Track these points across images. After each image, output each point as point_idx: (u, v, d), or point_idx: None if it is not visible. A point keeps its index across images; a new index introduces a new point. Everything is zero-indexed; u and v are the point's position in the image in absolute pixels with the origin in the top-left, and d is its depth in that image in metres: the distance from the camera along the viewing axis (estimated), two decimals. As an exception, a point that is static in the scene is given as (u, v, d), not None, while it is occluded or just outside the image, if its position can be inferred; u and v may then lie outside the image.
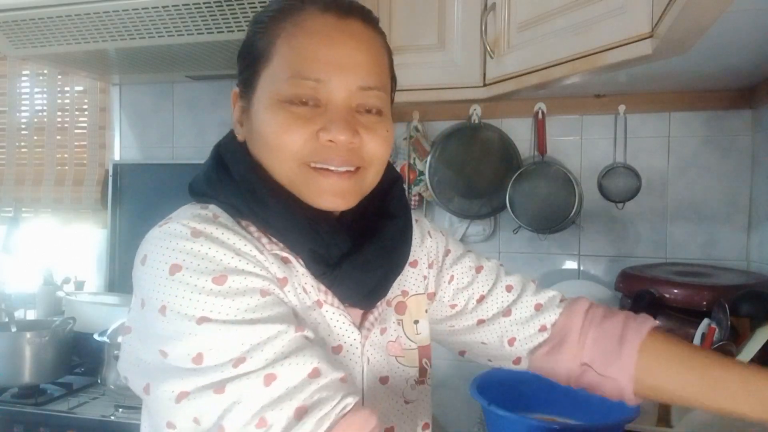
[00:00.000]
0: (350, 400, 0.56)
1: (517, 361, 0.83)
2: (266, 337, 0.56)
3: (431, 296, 0.83)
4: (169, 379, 0.55)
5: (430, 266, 0.83)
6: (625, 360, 0.75)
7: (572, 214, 1.63)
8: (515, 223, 1.69)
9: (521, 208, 1.67)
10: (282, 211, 0.64)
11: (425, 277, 0.82)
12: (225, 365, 0.54)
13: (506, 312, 0.82)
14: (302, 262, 0.66)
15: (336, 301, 0.68)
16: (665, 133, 1.66)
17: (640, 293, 1.40)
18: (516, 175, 1.67)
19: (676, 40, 0.99)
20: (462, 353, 0.88)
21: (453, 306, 0.83)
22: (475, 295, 0.83)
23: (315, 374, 0.56)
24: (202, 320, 0.55)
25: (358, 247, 0.67)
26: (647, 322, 0.77)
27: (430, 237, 0.84)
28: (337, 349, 0.68)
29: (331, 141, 0.63)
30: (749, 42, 1.08)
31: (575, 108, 1.70)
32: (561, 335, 0.80)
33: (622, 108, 1.64)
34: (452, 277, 0.83)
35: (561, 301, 0.84)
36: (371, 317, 0.71)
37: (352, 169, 0.65)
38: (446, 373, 1.77)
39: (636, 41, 1.03)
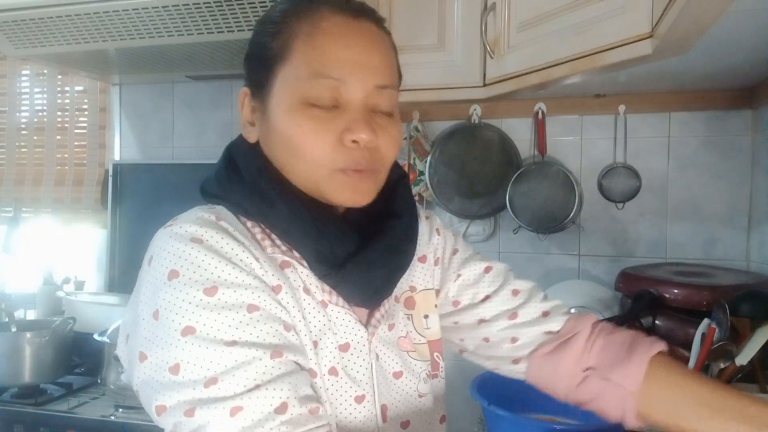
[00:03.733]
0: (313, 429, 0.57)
1: (517, 360, 0.82)
2: (241, 361, 0.57)
3: (437, 293, 0.83)
4: (149, 391, 0.58)
5: (435, 263, 0.83)
6: (634, 367, 0.72)
7: (572, 214, 1.63)
8: (515, 223, 1.69)
9: (521, 208, 1.67)
10: (288, 211, 0.65)
11: (432, 273, 0.82)
12: (197, 383, 0.56)
13: (512, 315, 0.82)
14: (305, 264, 0.66)
15: (341, 301, 0.68)
16: (665, 133, 1.66)
17: (640, 293, 1.40)
18: (516, 175, 1.67)
19: (676, 40, 0.99)
20: (461, 352, 0.88)
21: (456, 303, 0.83)
22: (479, 294, 0.83)
23: (281, 409, 0.57)
24: (187, 331, 0.57)
25: (362, 247, 0.67)
26: (658, 343, 0.75)
27: (438, 234, 0.84)
28: (344, 347, 0.68)
29: (354, 141, 0.64)
30: (749, 42, 1.08)
31: (575, 108, 1.70)
32: (568, 336, 0.78)
33: (622, 108, 1.64)
34: (459, 275, 0.83)
35: (567, 312, 0.83)
36: (378, 314, 0.72)
37: (372, 168, 0.67)
38: (446, 373, 1.77)
39: (636, 41, 1.03)
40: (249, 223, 0.67)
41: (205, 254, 0.60)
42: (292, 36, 0.65)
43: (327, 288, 0.67)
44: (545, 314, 0.82)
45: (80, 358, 1.67)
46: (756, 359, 1.11)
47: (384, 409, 0.71)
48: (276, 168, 0.68)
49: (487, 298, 0.83)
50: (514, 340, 0.81)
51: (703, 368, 1.15)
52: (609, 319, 1.44)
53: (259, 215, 0.66)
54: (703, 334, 1.19)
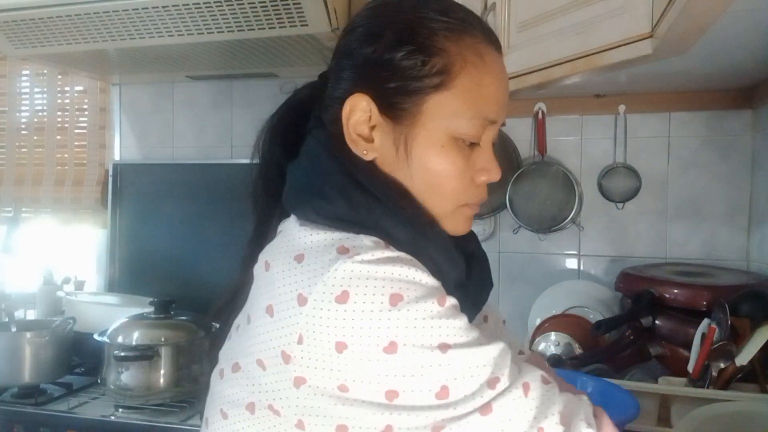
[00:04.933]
0: (584, 398, 0.57)
1: None
2: (498, 353, 0.55)
3: None
4: (413, 417, 0.52)
5: None
6: None
7: (572, 214, 1.63)
8: (515, 223, 1.69)
9: (521, 208, 1.67)
10: (439, 240, 0.62)
11: None
12: (479, 391, 0.52)
13: None
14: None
15: None
16: (665, 133, 1.66)
17: (640, 293, 1.40)
18: (516, 175, 1.67)
19: (676, 40, 0.99)
20: None
21: None
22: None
23: (546, 381, 0.56)
24: (444, 347, 0.52)
25: (469, 269, 0.67)
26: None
27: None
28: None
29: (486, 181, 0.64)
30: (749, 42, 1.08)
31: (575, 108, 1.70)
32: None
33: (622, 108, 1.64)
34: (485, 316, 0.82)
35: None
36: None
37: None
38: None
39: (636, 41, 1.03)
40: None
41: (414, 269, 0.54)
42: (454, 64, 0.60)
43: None
44: None
45: (80, 358, 1.67)
46: (756, 359, 1.11)
47: None
48: (414, 195, 0.63)
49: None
50: None
51: (703, 368, 1.16)
52: (609, 319, 1.44)
53: (409, 244, 0.59)
54: (703, 334, 1.19)
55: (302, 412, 0.54)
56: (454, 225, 0.65)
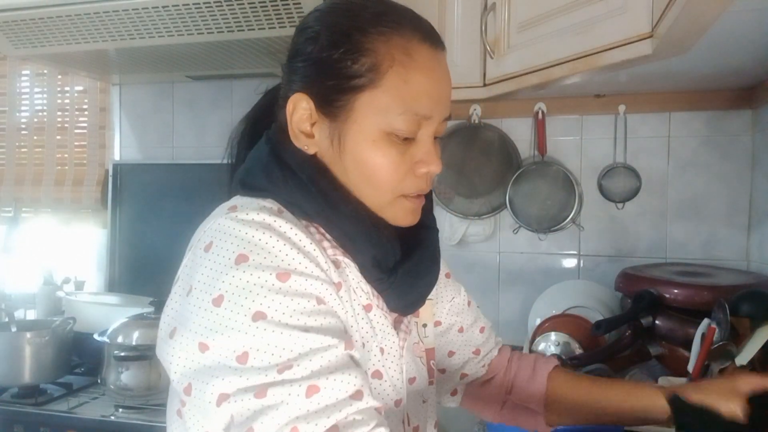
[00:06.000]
0: (382, 430, 0.56)
1: (455, 392, 0.93)
2: (316, 347, 0.55)
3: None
4: (210, 380, 0.54)
5: (447, 276, 0.88)
6: (536, 387, 0.88)
7: (572, 214, 1.63)
8: (515, 223, 1.69)
9: (521, 208, 1.67)
10: (353, 216, 0.65)
11: (437, 285, 0.84)
12: (270, 369, 0.53)
13: (476, 351, 0.91)
14: (358, 267, 0.66)
15: (383, 305, 0.69)
16: (665, 133, 1.66)
17: (640, 293, 1.40)
18: (516, 175, 1.67)
19: (676, 40, 0.99)
20: None
21: (438, 323, 0.86)
22: (457, 325, 0.88)
23: (357, 396, 0.55)
24: (258, 316, 0.54)
25: (407, 256, 0.69)
26: (552, 360, 0.92)
27: None
28: (381, 351, 0.69)
29: (426, 173, 0.67)
30: (749, 42, 1.08)
31: (575, 108, 1.70)
32: (492, 375, 0.92)
33: (622, 108, 1.64)
34: (453, 298, 0.87)
35: (497, 346, 0.94)
36: (405, 320, 0.73)
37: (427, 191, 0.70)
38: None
39: (636, 41, 1.03)
40: (303, 222, 0.65)
41: (277, 240, 0.58)
42: (383, 63, 0.63)
43: (375, 293, 0.68)
44: (477, 353, 0.91)
45: (80, 358, 1.67)
46: (756, 359, 1.11)
47: (408, 414, 0.73)
48: (336, 176, 0.67)
49: (462, 330, 0.89)
50: (463, 376, 0.90)
51: (703, 368, 1.15)
52: (609, 319, 1.44)
53: (318, 215, 0.65)
54: (703, 334, 1.19)
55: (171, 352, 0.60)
56: (393, 215, 0.68)
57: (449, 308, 0.87)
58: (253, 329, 0.54)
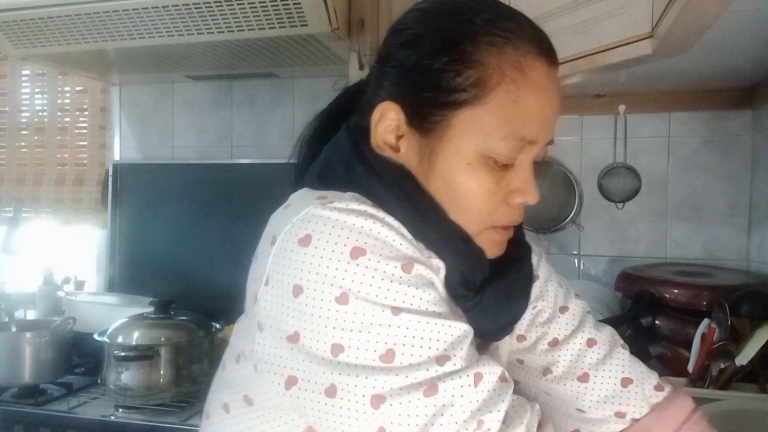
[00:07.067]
0: (536, 407, 0.54)
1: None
2: (459, 334, 0.52)
3: None
4: (354, 379, 0.49)
5: None
6: None
7: (572, 214, 1.63)
8: (515, 223, 1.69)
9: (521, 208, 1.67)
10: (443, 225, 0.58)
11: None
12: (426, 363, 0.50)
13: (582, 377, 0.73)
14: (442, 281, 0.58)
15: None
16: (665, 133, 1.66)
17: (640, 293, 1.40)
18: (516, 175, 1.67)
19: (676, 40, 0.99)
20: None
21: (521, 338, 0.75)
22: (548, 336, 0.75)
23: (504, 378, 0.53)
24: (397, 310, 0.50)
25: (498, 274, 0.62)
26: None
27: (536, 256, 0.78)
28: None
29: (521, 203, 0.60)
30: (749, 42, 1.08)
31: (575, 108, 1.70)
32: None
33: (622, 108, 1.64)
34: (534, 307, 0.75)
35: (656, 387, 0.73)
36: (491, 348, 0.67)
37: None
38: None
39: (636, 41, 1.03)
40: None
41: (389, 230, 0.52)
42: (491, 78, 0.55)
43: (459, 312, 0.60)
44: (625, 383, 0.72)
45: (80, 358, 1.67)
46: (756, 359, 1.11)
47: None
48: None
49: (556, 343, 0.74)
50: (579, 410, 0.73)
51: (703, 368, 1.15)
52: (609, 319, 1.44)
53: (405, 217, 0.56)
54: (703, 334, 1.19)
55: (258, 357, 0.55)
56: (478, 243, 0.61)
57: (530, 319, 0.76)
58: (396, 324, 0.50)
